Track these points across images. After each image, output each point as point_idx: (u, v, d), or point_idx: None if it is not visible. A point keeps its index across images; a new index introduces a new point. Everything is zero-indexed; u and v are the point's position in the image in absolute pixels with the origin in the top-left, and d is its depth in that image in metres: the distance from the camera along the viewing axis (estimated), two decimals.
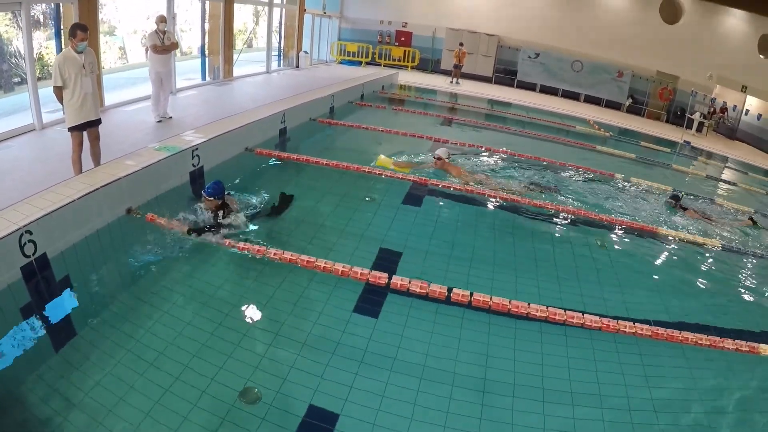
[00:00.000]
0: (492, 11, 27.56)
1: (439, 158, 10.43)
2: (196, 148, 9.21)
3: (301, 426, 4.32)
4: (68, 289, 6.26)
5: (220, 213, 7.07)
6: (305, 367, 4.99)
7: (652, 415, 4.94)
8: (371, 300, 6.14)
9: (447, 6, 28.25)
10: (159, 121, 11.96)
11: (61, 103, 7.94)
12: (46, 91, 10.42)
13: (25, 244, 5.97)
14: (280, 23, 23.83)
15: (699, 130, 23.42)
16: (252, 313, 5.89)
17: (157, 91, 12.02)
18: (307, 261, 6.60)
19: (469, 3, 27.92)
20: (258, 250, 6.78)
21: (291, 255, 6.71)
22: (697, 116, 23.19)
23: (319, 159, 10.58)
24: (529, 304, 6.11)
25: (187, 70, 18.45)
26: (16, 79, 18.03)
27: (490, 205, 9.38)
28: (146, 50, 12.48)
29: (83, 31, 7.61)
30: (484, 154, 12.89)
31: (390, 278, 6.39)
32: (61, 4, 12.49)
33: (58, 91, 7.72)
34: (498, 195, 9.65)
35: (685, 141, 20.33)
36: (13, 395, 4.48)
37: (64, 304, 5.93)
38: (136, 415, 4.29)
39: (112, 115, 12.13)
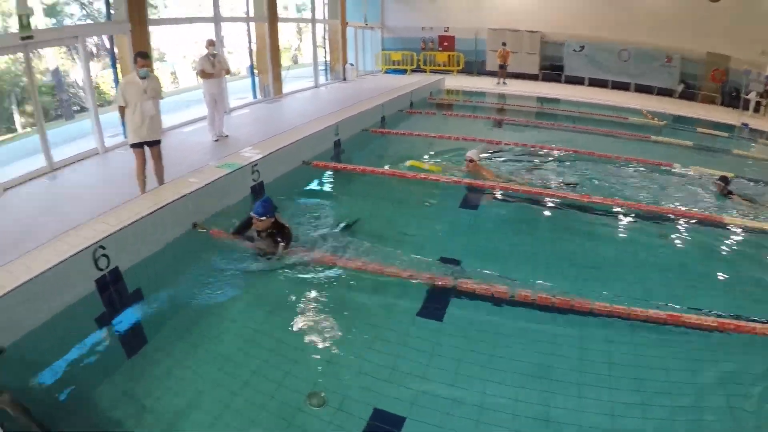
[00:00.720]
0: (531, 7, 27.04)
1: (471, 160, 10.19)
2: (256, 164, 9.46)
3: (366, 429, 4.33)
4: (140, 300, 6.50)
5: (280, 247, 6.90)
6: (370, 371, 5.00)
7: (726, 412, 4.69)
8: (436, 303, 6.10)
9: (486, 7, 27.92)
10: (216, 140, 12.31)
11: (123, 121, 8.62)
12: (106, 117, 10.94)
13: (98, 258, 6.31)
14: (324, 38, 24.08)
15: (756, 110, 22.30)
16: (317, 319, 5.88)
17: (212, 112, 12.40)
18: (373, 267, 6.66)
19: (508, 2, 27.63)
20: (322, 259, 6.87)
21: (358, 262, 6.80)
22: (753, 96, 22.12)
23: (375, 168, 10.65)
24: (592, 301, 5.94)
25: (238, 89, 18.79)
26: (75, 108, 18.71)
27: (546, 204, 9.20)
28: (197, 74, 12.86)
29: (143, 57, 8.25)
30: (528, 152, 12.69)
31: (455, 280, 6.37)
32: (114, 36, 12.88)
33: (121, 110, 8.36)
34: (554, 193, 9.47)
35: (743, 123, 19.56)
36: (86, 399, 4.70)
37: (135, 315, 6.20)
38: (205, 418, 4.43)
39: (171, 137, 12.48)
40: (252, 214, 6.85)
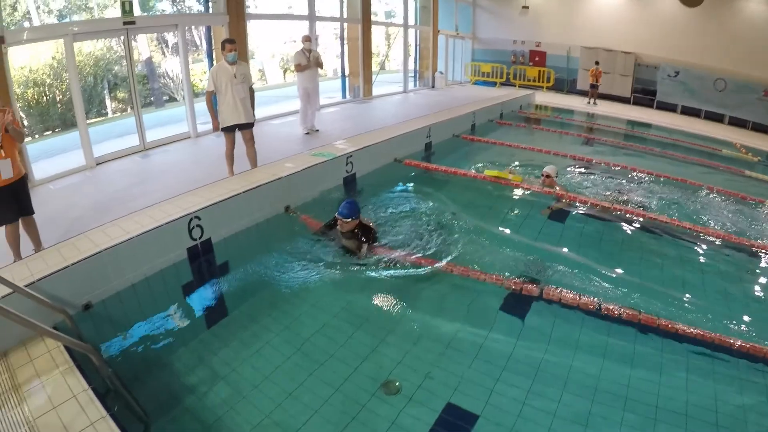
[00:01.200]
0: (628, 27, 25.84)
1: (548, 176, 9.69)
2: (350, 156, 9.51)
3: (438, 422, 4.23)
4: (226, 273, 6.62)
5: (364, 247, 6.78)
6: (447, 367, 4.91)
7: None
8: (518, 308, 5.92)
9: (581, 24, 26.95)
10: (306, 133, 12.41)
11: (209, 107, 8.71)
12: (199, 106, 11.16)
13: (193, 228, 6.46)
14: (416, 45, 24.01)
15: None
16: (397, 314, 5.78)
17: (305, 106, 12.49)
18: (459, 269, 6.49)
19: (604, 20, 26.51)
20: (406, 258, 6.73)
21: (443, 263, 6.63)
22: None
23: (466, 171, 10.49)
24: (676, 323, 5.57)
25: (326, 89, 18.87)
26: (165, 97, 19.24)
27: (630, 224, 8.69)
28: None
29: (230, 43, 8.45)
30: (615, 172, 12.02)
31: (540, 288, 6.11)
32: (211, 28, 13.13)
33: (209, 96, 8.54)
34: (643, 214, 8.95)
35: None
36: (163, 361, 4.88)
37: (220, 286, 6.31)
38: (279, 394, 4.46)
39: (262, 127, 12.66)
40: (337, 215, 6.79)
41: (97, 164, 9.93)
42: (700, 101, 24.29)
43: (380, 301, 5.97)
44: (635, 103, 25.81)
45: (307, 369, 4.75)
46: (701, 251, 7.97)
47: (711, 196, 10.76)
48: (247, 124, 8.76)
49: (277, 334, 5.26)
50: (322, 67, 12.94)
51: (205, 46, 17.39)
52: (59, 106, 15.80)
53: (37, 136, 15.09)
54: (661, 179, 11.57)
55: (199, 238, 6.55)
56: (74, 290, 5.28)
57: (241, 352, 4.98)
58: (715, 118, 23.90)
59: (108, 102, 18.76)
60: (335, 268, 6.51)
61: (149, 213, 6.36)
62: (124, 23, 10.47)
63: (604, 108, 22.98)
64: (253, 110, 8.92)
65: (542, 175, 9.76)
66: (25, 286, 4.78)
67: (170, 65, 20.78)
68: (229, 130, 8.65)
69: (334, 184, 9.18)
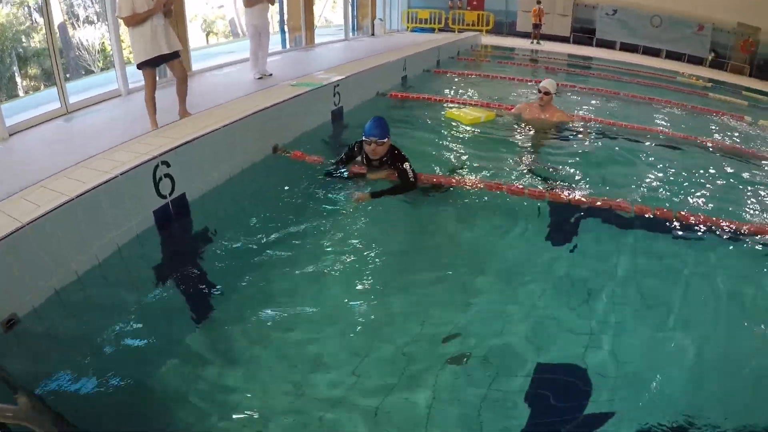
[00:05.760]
0: None
1: (547, 92, 8.11)
2: (337, 85, 8.54)
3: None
4: (209, 242, 4.68)
5: (409, 172, 5.45)
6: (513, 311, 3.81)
7: None
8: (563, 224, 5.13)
9: None
10: (259, 78, 10.43)
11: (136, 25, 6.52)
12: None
13: (160, 179, 4.50)
14: None
15: None
16: (442, 251, 4.67)
17: (255, 47, 10.62)
18: (491, 184, 5.68)
19: None
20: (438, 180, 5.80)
21: (475, 180, 5.83)
22: None
23: (455, 98, 10.33)
24: (719, 218, 5.04)
25: None
26: (81, 71, 17.26)
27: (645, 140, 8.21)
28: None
29: None
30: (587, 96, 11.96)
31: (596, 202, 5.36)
32: None
33: (130, 20, 6.36)
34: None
35: None
36: (140, 388, 3.04)
37: (204, 263, 4.33)
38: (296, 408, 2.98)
39: (207, 78, 11.04)
40: (370, 138, 5.38)
41: (10, 135, 7.83)
42: (638, 37, 26.30)
43: (420, 243, 4.80)
44: (575, 42, 27.06)
45: (334, 359, 3.31)
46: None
47: (696, 115, 11.30)
48: (172, 54, 6.70)
49: (288, 323, 3.61)
50: (273, 3, 10.96)
51: None
52: None
53: None
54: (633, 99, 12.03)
55: (170, 194, 4.61)
56: None
57: (242, 360, 3.32)
58: (653, 53, 25.78)
59: (18, 80, 16.74)
60: (354, 212, 5.09)
61: (91, 165, 4.38)
62: None
63: (549, 47, 23.97)
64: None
65: (539, 91, 8.18)
66: None
67: (84, 34, 18.77)
68: (150, 65, 6.57)
69: (323, 119, 8.05)
